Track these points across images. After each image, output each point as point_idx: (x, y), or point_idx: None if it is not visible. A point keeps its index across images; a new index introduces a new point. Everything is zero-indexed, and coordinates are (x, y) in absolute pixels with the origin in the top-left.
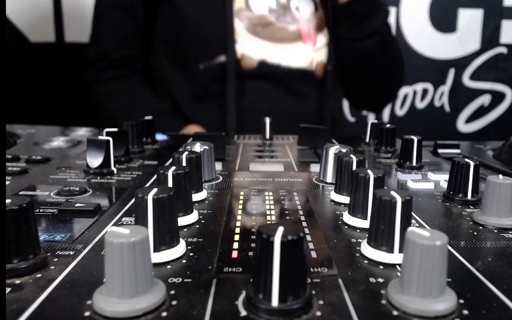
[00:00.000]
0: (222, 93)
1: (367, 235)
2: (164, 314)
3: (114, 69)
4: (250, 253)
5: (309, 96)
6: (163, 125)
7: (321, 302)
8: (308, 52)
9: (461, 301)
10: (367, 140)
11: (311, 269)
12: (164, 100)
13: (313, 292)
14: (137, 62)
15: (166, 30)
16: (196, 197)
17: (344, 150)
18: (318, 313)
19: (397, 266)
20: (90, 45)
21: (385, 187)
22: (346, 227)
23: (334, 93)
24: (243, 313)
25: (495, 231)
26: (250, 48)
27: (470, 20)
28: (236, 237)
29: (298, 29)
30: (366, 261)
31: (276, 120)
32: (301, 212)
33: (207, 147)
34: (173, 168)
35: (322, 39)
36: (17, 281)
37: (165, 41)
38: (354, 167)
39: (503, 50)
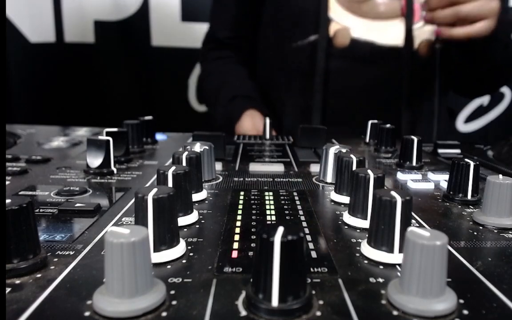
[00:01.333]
0: (311, 73)
1: (367, 235)
2: (164, 314)
3: (221, 49)
4: (250, 253)
5: (408, 79)
6: (231, 111)
7: (321, 302)
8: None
9: (461, 301)
10: (367, 140)
11: (311, 269)
12: (251, 85)
13: (313, 292)
14: (244, 43)
15: (268, 10)
16: (196, 197)
17: (344, 150)
18: (318, 313)
19: (397, 266)
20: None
21: (385, 187)
22: (346, 227)
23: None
24: (243, 313)
25: (495, 231)
26: (344, 25)
27: None
28: (236, 237)
29: (400, 3)
30: (366, 261)
31: (364, 105)
32: (301, 212)
33: (207, 147)
34: (173, 168)
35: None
36: (17, 281)
37: (267, 21)
38: (354, 167)
39: None
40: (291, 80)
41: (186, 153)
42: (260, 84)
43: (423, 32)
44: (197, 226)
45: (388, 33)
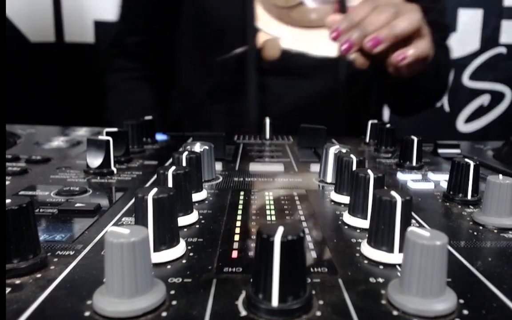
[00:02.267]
0: (240, 90)
1: (367, 235)
2: (164, 314)
3: (128, 57)
4: (250, 253)
5: (344, 93)
6: None
7: (321, 302)
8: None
9: (461, 301)
10: (367, 140)
11: (311, 269)
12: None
13: (313, 292)
14: (154, 52)
15: (186, 18)
16: (196, 197)
17: (344, 150)
18: (318, 313)
19: (397, 266)
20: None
21: (385, 187)
22: (346, 227)
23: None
24: (243, 313)
25: (495, 231)
26: (272, 35)
27: (470, 20)
28: (236, 237)
29: (332, 8)
30: (366, 261)
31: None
32: (301, 212)
33: (207, 147)
34: (173, 168)
35: None
36: (17, 281)
37: (184, 31)
38: (354, 167)
39: (503, 50)
40: (217, 98)
41: (186, 153)
42: (183, 101)
43: None
44: (197, 226)
45: (321, 43)
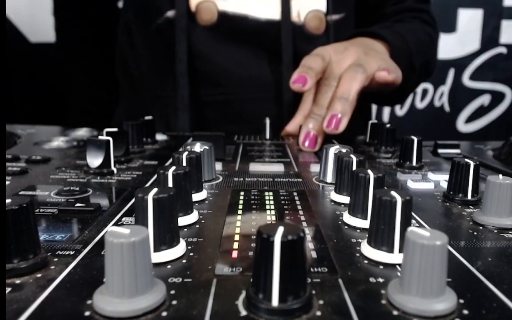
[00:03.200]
0: (172, 57)
1: (367, 235)
2: (164, 314)
3: (74, 15)
4: (250, 253)
5: (289, 60)
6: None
7: (321, 302)
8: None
9: (461, 301)
10: (367, 140)
11: (311, 269)
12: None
13: (313, 292)
14: (98, 15)
15: None
16: (196, 197)
17: (344, 150)
18: (318, 313)
19: (397, 266)
20: None
21: (385, 187)
22: (346, 227)
23: None
24: (243, 313)
25: (495, 231)
26: None
27: (470, 20)
28: (236, 237)
29: None
30: (366, 261)
31: (249, 97)
32: (301, 212)
33: (207, 147)
34: (173, 168)
35: None
36: (17, 281)
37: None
38: (354, 167)
39: (503, 50)
40: (152, 70)
41: (186, 153)
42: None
43: (308, 1)
44: (197, 226)
45: (263, 4)
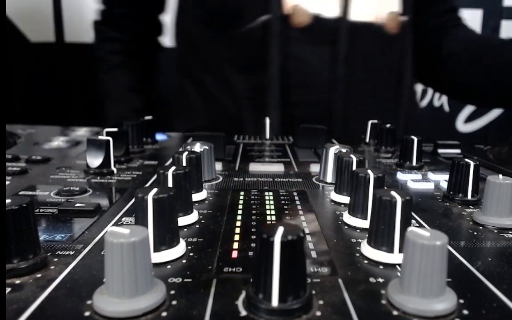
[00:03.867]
0: (265, 60)
1: (367, 235)
2: (164, 314)
3: (113, 31)
4: (250, 253)
5: (377, 59)
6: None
7: (321, 302)
8: (367, 2)
9: (461, 301)
10: (367, 140)
11: (311, 269)
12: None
13: (313, 292)
14: (142, 27)
15: None
16: (196, 197)
17: (344, 150)
18: (318, 313)
19: (397, 266)
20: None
21: (385, 187)
22: (346, 227)
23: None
24: (243, 313)
25: (495, 231)
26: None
27: (470, 20)
28: (236, 237)
29: None
30: (366, 261)
31: (338, 97)
32: (301, 212)
33: (207, 147)
34: (173, 168)
35: None
36: (17, 281)
37: (199, 2)
38: (354, 167)
39: None
40: (238, 73)
41: (186, 153)
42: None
43: (388, 3)
44: (197, 226)
45: (353, 6)
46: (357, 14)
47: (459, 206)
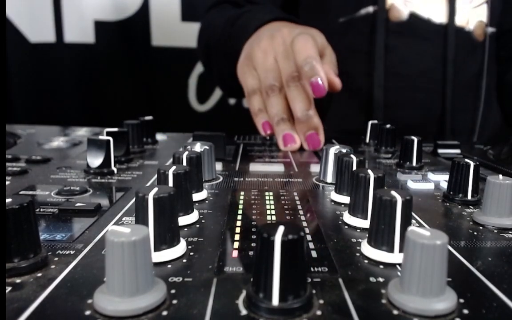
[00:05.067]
0: (368, 50)
1: (367, 235)
2: (164, 313)
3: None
4: (251, 253)
5: (465, 63)
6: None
7: (321, 301)
8: (463, 8)
9: (461, 300)
10: (367, 140)
11: (312, 269)
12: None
13: (314, 291)
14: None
15: None
16: (196, 197)
17: (344, 150)
18: (319, 313)
19: (397, 266)
20: None
21: (385, 187)
22: (346, 227)
23: (493, 67)
24: (244, 312)
25: (495, 231)
26: None
27: None
28: (237, 237)
29: None
30: (366, 261)
31: (425, 85)
32: (301, 212)
33: (207, 147)
34: (174, 167)
35: None
36: (18, 280)
37: None
38: (354, 167)
39: None
40: (342, 58)
41: (186, 153)
42: None
43: (477, 12)
44: (198, 225)
45: (439, 9)
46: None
47: (459, 206)
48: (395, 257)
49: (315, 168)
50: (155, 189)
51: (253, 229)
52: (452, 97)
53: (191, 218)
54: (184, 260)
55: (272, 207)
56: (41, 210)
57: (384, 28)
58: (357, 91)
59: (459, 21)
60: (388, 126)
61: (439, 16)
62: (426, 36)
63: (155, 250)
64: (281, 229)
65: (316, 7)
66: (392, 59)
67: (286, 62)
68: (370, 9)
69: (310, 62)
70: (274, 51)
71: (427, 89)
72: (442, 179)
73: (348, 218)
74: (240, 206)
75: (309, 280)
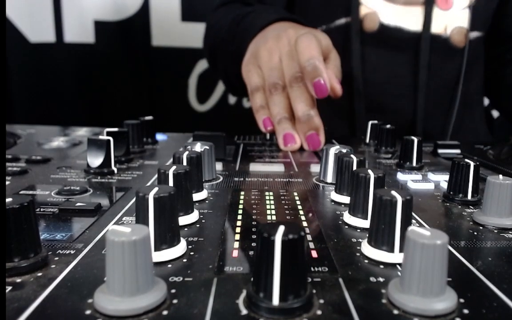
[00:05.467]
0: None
1: (367, 235)
2: (165, 312)
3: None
4: (251, 253)
5: (441, 69)
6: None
7: (321, 301)
8: (440, 15)
9: (462, 300)
10: (367, 140)
11: (312, 268)
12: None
13: (314, 291)
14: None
15: None
16: (196, 196)
17: (344, 150)
18: (319, 312)
19: (398, 266)
20: None
21: (385, 187)
22: (346, 227)
23: (475, 71)
24: (244, 312)
25: (495, 231)
26: (372, 8)
27: None
28: (237, 237)
29: None
30: (366, 261)
31: (397, 93)
32: (301, 212)
33: (207, 147)
34: (174, 167)
35: (463, 0)
36: (18, 280)
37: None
38: (354, 167)
39: None
40: None
41: (186, 153)
42: None
43: (457, 19)
44: (198, 225)
45: (414, 18)
46: (417, 26)
47: (459, 206)
48: (395, 257)
49: (315, 168)
50: (156, 189)
51: (253, 229)
52: (425, 102)
53: (191, 218)
54: (185, 260)
55: (272, 207)
56: (41, 210)
57: (359, 38)
58: (337, 101)
59: (435, 28)
60: (388, 126)
61: (413, 25)
62: (398, 45)
63: (155, 250)
64: (281, 229)
65: (297, 14)
66: (365, 68)
67: (290, 63)
68: (343, 20)
69: (313, 63)
70: (279, 51)
71: (398, 95)
72: (442, 179)
73: (348, 218)
74: (240, 206)
75: (310, 279)
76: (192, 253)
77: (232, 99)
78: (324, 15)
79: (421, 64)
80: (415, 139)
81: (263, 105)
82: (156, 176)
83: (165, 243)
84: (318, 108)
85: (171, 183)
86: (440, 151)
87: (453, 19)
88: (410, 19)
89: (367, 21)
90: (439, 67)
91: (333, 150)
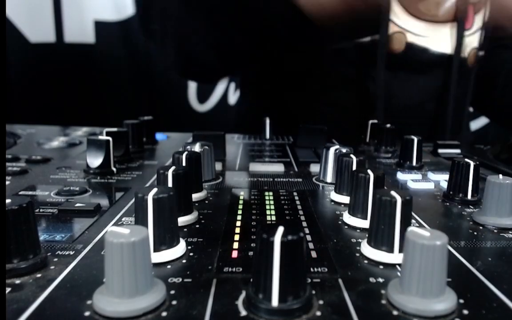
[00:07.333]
0: (359, 80)
1: (367, 235)
2: (164, 314)
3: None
4: (250, 253)
5: (456, 90)
6: None
7: (321, 302)
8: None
9: (461, 301)
10: (367, 140)
11: (311, 269)
12: None
13: (313, 292)
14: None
15: None
16: (196, 197)
17: (344, 150)
18: (318, 313)
19: (397, 266)
20: None
21: (385, 187)
22: (346, 227)
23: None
24: (243, 313)
25: (495, 231)
26: (400, 27)
27: None
28: (236, 237)
29: (453, 5)
30: (366, 261)
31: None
32: (301, 212)
33: (207, 147)
34: (173, 168)
35: (479, 20)
36: (17, 281)
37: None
38: (354, 167)
39: None
40: (338, 84)
41: (186, 153)
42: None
43: (473, 39)
44: (197, 226)
45: (441, 39)
46: (445, 45)
47: (459, 206)
48: (395, 257)
49: (315, 168)
50: (155, 190)
51: (252, 230)
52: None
53: (191, 218)
54: (184, 261)
55: (272, 207)
56: (41, 210)
57: (385, 56)
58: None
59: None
60: (388, 125)
61: (440, 46)
62: (424, 66)
63: (154, 251)
64: (280, 229)
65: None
66: (388, 89)
67: None
68: (368, 38)
69: None
70: None
71: (420, 117)
72: (442, 179)
73: (348, 218)
74: (240, 206)
75: (309, 280)
76: (191, 254)
77: (232, 99)
78: (348, 31)
79: (452, 86)
80: (415, 139)
81: None
82: (155, 176)
83: (164, 244)
84: (338, 124)
85: (170, 184)
86: (440, 150)
87: (471, 39)
88: (437, 40)
89: (394, 41)
90: (455, 89)
91: (333, 150)
